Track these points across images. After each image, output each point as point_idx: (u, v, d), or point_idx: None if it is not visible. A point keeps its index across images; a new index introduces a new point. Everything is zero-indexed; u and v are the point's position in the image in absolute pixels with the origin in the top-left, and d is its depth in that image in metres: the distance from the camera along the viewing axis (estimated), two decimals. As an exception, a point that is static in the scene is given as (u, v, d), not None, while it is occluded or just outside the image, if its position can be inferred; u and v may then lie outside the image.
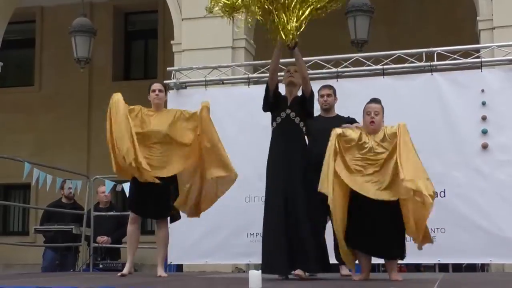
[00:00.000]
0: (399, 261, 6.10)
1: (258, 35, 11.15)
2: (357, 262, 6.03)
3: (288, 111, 6.16)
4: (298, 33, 5.96)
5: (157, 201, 6.50)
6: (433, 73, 8.11)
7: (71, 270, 9.80)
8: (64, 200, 10.19)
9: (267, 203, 6.13)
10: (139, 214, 6.62)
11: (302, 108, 6.17)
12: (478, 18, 9.87)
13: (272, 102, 6.26)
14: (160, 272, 6.57)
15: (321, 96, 7.03)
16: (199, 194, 6.61)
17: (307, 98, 6.17)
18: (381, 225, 5.69)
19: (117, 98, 6.54)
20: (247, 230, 8.18)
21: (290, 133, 6.16)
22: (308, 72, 8.47)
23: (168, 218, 6.72)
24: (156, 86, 6.73)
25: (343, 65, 8.55)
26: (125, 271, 6.55)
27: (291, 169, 6.02)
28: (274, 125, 6.25)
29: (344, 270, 6.75)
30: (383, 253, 5.85)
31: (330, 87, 7.15)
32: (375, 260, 6.28)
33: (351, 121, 6.70)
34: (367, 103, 6.00)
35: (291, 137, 6.14)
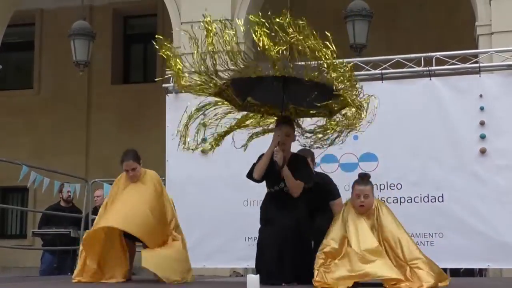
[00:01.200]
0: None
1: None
2: None
3: (282, 184, 6.04)
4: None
5: None
6: (431, 78, 8.10)
7: (69, 273, 9.79)
8: (62, 203, 10.19)
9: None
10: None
11: None
12: (476, 23, 9.89)
13: (261, 181, 6.19)
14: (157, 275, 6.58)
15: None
16: None
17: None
18: None
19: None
20: (245, 234, 8.17)
21: (284, 205, 6.03)
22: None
23: None
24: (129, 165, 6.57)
25: (342, 70, 8.53)
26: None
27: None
28: (267, 191, 6.19)
29: None
30: None
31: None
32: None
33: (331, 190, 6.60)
34: (356, 183, 5.84)
35: (285, 208, 6.01)
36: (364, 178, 5.84)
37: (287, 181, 6.00)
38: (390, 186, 7.88)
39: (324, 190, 6.57)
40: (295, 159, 6.12)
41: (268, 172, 6.08)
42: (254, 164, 6.21)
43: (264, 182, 6.27)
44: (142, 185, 6.54)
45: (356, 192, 5.77)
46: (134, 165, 6.52)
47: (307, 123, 6.49)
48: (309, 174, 6.19)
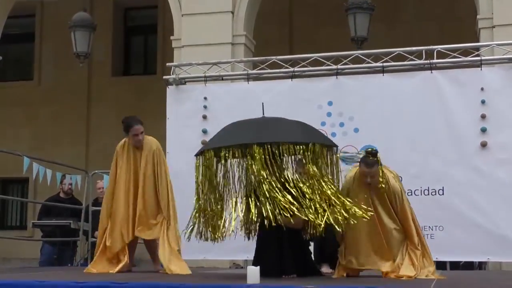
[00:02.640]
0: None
1: (258, 31, 11.15)
2: None
3: None
4: None
5: None
6: (432, 71, 8.10)
7: (69, 264, 9.80)
8: (62, 195, 10.19)
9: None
10: None
11: None
12: (478, 16, 9.87)
13: None
14: (158, 267, 6.60)
15: None
16: None
17: None
18: None
19: None
20: (245, 226, 8.17)
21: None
22: (308, 69, 8.54)
23: None
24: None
25: (343, 62, 8.54)
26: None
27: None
28: None
29: (325, 268, 6.72)
30: None
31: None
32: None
33: None
34: (363, 163, 5.91)
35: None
36: (371, 161, 5.89)
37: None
38: (390, 179, 7.87)
39: None
40: None
41: None
42: None
43: None
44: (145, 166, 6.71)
45: (363, 173, 5.91)
46: (142, 128, 6.76)
47: None
48: None
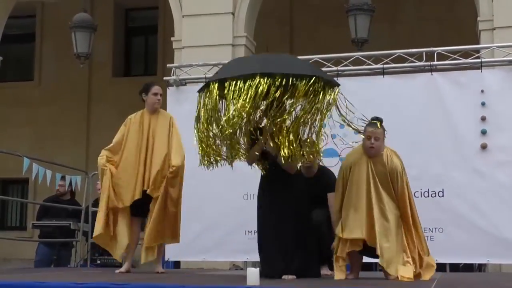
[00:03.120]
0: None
1: (258, 32, 11.16)
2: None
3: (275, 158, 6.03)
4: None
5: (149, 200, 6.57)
6: (433, 73, 8.11)
7: (68, 265, 9.80)
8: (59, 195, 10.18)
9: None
10: (134, 215, 6.70)
11: None
12: (478, 18, 9.87)
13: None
14: (158, 268, 6.60)
15: None
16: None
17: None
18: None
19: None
20: (245, 228, 8.18)
21: (278, 183, 6.07)
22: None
23: None
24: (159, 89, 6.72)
25: (343, 64, 8.54)
26: (123, 269, 6.63)
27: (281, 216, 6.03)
28: (261, 173, 6.22)
29: (325, 270, 6.72)
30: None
31: None
32: (372, 259, 6.28)
33: (331, 180, 6.50)
34: (368, 125, 5.84)
35: (280, 187, 6.06)
36: (376, 121, 5.84)
37: (283, 166, 6.00)
38: (390, 181, 7.87)
39: (324, 182, 6.59)
40: None
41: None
42: None
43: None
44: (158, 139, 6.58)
45: (367, 134, 5.78)
46: (161, 90, 6.66)
47: None
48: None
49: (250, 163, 6.25)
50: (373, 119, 5.90)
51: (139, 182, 6.46)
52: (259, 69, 5.68)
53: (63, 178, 9.85)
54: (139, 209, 6.62)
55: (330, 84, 5.97)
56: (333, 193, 6.28)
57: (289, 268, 5.91)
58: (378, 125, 5.80)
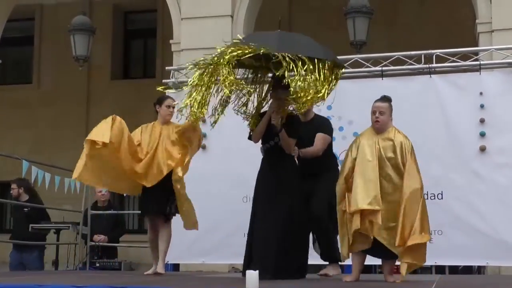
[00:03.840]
0: (396, 262, 6.10)
1: (257, 35, 11.15)
2: (347, 262, 6.05)
3: (276, 139, 6.25)
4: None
5: (158, 199, 6.66)
6: (431, 75, 8.12)
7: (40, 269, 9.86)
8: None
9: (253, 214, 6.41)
10: (144, 214, 6.84)
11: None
12: (477, 21, 9.88)
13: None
14: (160, 268, 6.64)
15: None
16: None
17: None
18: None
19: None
20: (244, 230, 8.11)
21: (279, 160, 6.26)
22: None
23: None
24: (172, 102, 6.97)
25: (342, 66, 8.54)
26: (151, 271, 6.81)
27: (280, 194, 6.17)
28: (263, 152, 6.42)
29: (327, 270, 6.70)
30: (380, 253, 5.83)
31: None
32: (372, 261, 6.28)
33: (325, 124, 6.75)
34: (375, 101, 5.95)
35: (280, 164, 6.26)
36: (384, 97, 5.94)
37: (282, 142, 6.23)
38: (389, 183, 7.86)
39: (317, 125, 6.72)
40: (290, 119, 6.31)
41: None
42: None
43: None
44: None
45: (373, 109, 5.86)
46: (174, 103, 6.89)
47: None
48: (296, 130, 6.35)
49: (256, 140, 6.44)
50: (381, 97, 5.98)
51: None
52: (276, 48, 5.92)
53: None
54: (145, 206, 6.83)
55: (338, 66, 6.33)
56: (321, 134, 6.54)
57: (283, 268, 5.95)
58: (385, 99, 5.91)
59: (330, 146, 6.74)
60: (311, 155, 6.48)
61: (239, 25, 10.63)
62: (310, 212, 6.33)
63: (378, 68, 8.37)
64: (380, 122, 5.81)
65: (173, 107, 6.87)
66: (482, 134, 7.82)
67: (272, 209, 6.13)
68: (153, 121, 7.03)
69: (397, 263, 6.12)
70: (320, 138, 6.57)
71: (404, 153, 5.74)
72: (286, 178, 6.24)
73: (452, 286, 5.69)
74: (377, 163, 5.67)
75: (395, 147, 5.75)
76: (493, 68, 8.27)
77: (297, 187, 6.27)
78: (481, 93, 7.87)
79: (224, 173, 8.33)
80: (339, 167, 6.20)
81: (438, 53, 8.26)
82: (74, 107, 15.01)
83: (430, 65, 8.16)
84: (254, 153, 7.55)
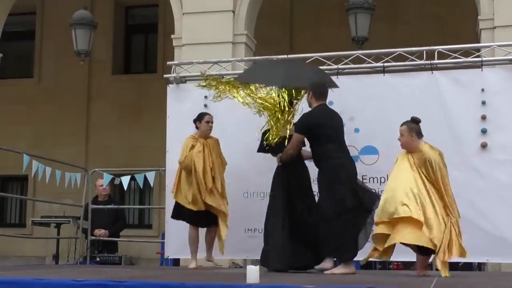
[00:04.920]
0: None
1: (258, 30, 11.15)
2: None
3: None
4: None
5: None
6: (433, 71, 8.09)
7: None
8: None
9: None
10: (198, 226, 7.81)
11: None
12: (479, 17, 9.86)
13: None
14: (209, 256, 7.83)
15: None
16: None
17: None
18: None
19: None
20: (245, 226, 8.18)
21: (293, 168, 6.97)
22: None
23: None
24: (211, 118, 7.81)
25: (344, 62, 8.53)
26: (192, 265, 7.69)
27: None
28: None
29: (326, 263, 6.70)
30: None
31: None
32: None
33: (296, 123, 7.28)
34: None
35: (295, 172, 6.96)
36: (413, 119, 6.58)
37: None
38: (390, 179, 7.86)
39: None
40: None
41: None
42: (261, 141, 7.41)
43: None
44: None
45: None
46: (212, 118, 7.76)
47: None
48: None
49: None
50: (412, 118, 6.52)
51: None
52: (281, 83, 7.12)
53: None
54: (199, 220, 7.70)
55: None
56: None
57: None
58: (414, 123, 6.53)
59: (316, 137, 6.96)
60: (285, 158, 6.98)
61: (241, 20, 10.62)
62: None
63: (379, 64, 8.34)
64: (401, 144, 6.52)
65: (212, 122, 7.68)
66: (484, 131, 7.80)
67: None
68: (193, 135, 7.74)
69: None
70: (291, 139, 7.01)
71: (431, 167, 6.41)
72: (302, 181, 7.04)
73: (452, 283, 5.69)
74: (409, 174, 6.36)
75: (423, 163, 6.40)
76: (495, 65, 8.24)
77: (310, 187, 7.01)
78: (482, 90, 7.85)
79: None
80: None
81: (440, 49, 8.24)
82: (75, 101, 15.02)
83: (432, 61, 8.13)
84: (254, 149, 7.56)
